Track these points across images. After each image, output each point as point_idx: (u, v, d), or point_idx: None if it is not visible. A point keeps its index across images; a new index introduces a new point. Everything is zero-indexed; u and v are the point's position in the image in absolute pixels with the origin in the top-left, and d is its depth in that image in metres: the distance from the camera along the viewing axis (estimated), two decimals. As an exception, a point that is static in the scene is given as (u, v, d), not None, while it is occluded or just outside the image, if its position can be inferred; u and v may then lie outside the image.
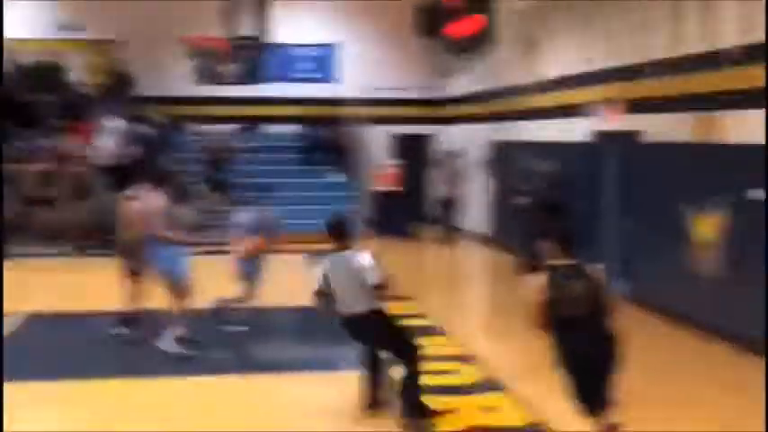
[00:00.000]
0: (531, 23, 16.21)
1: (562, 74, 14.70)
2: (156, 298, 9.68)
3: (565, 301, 5.85)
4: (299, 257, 14.74)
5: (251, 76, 22.29)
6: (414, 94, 22.59)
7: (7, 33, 19.36)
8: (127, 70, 20.77)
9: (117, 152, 17.61)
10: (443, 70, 22.39)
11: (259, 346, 9.97)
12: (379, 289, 7.05)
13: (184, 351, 8.96)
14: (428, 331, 10.12)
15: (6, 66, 19.42)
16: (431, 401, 7.50)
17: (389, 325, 7.22)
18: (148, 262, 9.32)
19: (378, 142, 22.11)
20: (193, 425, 7.15)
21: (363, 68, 22.26)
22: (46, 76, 20.11)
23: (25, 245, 16.51)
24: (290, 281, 11.15)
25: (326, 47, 22.53)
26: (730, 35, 9.76)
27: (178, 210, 9.35)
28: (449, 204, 19.23)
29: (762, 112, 9.18)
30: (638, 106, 11.90)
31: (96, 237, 15.97)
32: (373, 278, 7.00)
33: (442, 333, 10.30)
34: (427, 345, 9.24)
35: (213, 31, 21.01)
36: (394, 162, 20.83)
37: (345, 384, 8.75)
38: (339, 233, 7.23)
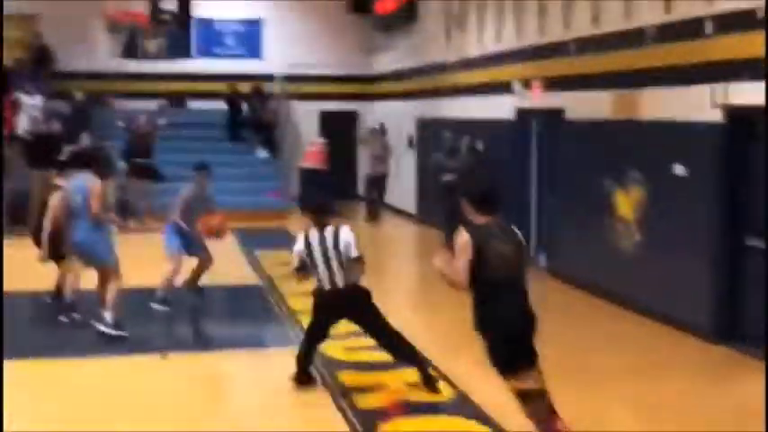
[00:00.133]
0: (456, 1, 16.29)
1: (486, 51, 14.82)
2: (88, 279, 9.57)
3: (492, 259, 5.61)
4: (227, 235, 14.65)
5: (175, 52, 22.01)
6: (341, 71, 22.54)
7: None
8: (47, 45, 20.30)
9: (35, 129, 17.25)
10: (370, 47, 22.39)
11: (188, 324, 9.92)
12: (359, 262, 7.29)
13: (122, 333, 8.86)
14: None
15: None
16: (358, 377, 7.59)
17: (372, 302, 7.38)
18: (77, 246, 9.12)
19: (305, 119, 22.03)
20: (125, 404, 7.12)
21: (290, 45, 22.11)
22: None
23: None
24: (219, 259, 11.08)
25: (253, 22, 22.33)
26: (650, 14, 9.95)
27: (104, 188, 9.22)
28: (376, 181, 19.30)
29: (681, 88, 9.39)
30: (561, 83, 12.07)
31: (13, 215, 15.62)
32: (355, 252, 7.23)
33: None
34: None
35: (135, 5, 20.66)
36: (321, 139, 20.78)
37: (274, 361, 8.82)
38: (321, 211, 7.43)
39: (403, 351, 7.40)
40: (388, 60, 21.29)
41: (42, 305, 9.98)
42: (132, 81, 21.39)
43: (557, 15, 12.16)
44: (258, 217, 17.54)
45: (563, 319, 10.22)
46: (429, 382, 7.25)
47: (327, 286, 7.25)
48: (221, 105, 21.03)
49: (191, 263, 10.73)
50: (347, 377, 7.67)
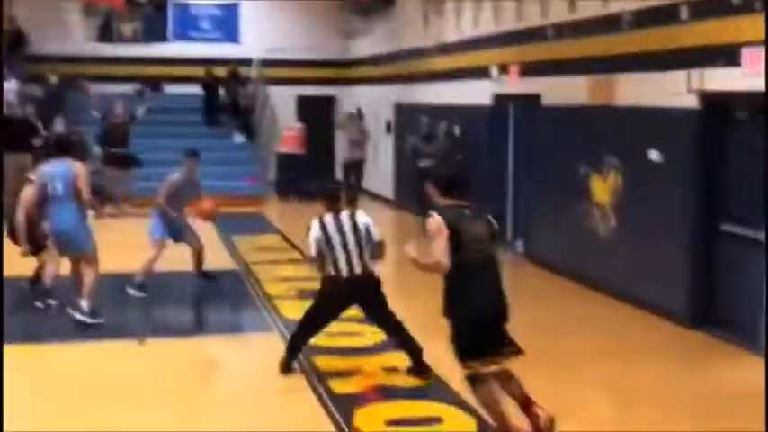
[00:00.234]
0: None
1: (464, 36, 14.81)
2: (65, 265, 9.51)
3: (466, 241, 5.49)
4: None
5: (151, 36, 21.86)
6: (318, 56, 22.46)
7: None
8: (21, 28, 20.09)
9: (9, 113, 17.08)
10: (348, 31, 22.32)
11: (165, 310, 9.88)
12: (380, 246, 7.25)
13: (99, 320, 8.80)
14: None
15: None
16: (335, 362, 7.59)
17: (382, 291, 7.32)
18: (61, 235, 8.98)
19: (282, 104, 21.95)
20: (102, 390, 7.09)
21: (267, 29, 22.01)
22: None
23: None
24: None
25: (229, 6, 22.20)
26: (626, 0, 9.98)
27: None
28: (354, 167, 19.26)
29: (658, 74, 9.42)
30: (538, 69, 12.09)
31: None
32: (377, 234, 7.22)
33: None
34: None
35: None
36: (298, 124, 20.72)
37: (251, 346, 8.82)
38: (334, 196, 7.41)
39: (405, 339, 7.35)
40: (365, 45, 21.24)
41: (22, 291, 9.89)
42: (107, 65, 21.22)
43: (534, 1, 12.16)
44: (235, 202, 17.46)
45: (538, 303, 10.28)
46: (421, 371, 7.23)
47: (345, 273, 7.08)
48: (198, 90, 20.91)
49: (175, 250, 10.66)
50: (324, 362, 7.67)
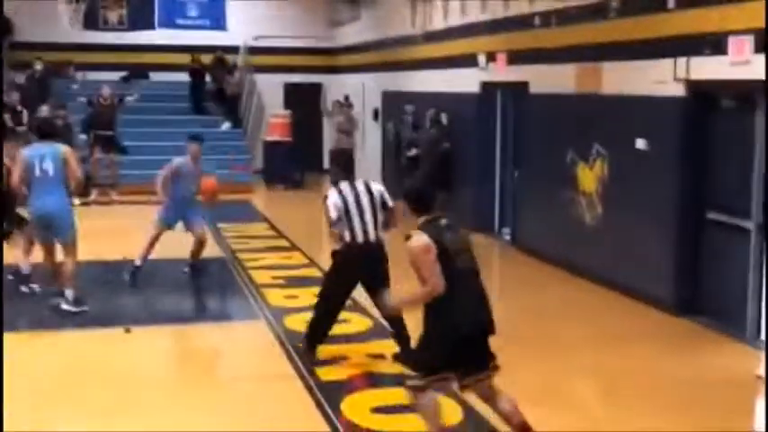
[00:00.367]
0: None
1: (451, 24, 14.78)
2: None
3: (452, 253, 5.21)
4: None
5: (137, 23, 21.75)
6: (306, 43, 22.39)
7: None
8: (5, 15, 19.95)
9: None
10: (336, 19, 22.26)
11: (152, 298, 9.85)
12: (393, 212, 7.28)
13: (84, 308, 8.77)
14: (320, 282, 10.16)
15: None
16: (321, 350, 7.59)
17: (388, 267, 7.29)
18: (48, 217, 8.77)
19: (269, 91, 21.89)
20: (88, 378, 7.09)
21: (254, 16, 21.93)
22: None
23: None
24: (182, 232, 10.98)
25: (216, -7, 22.14)
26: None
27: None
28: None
29: (644, 63, 9.43)
30: (526, 57, 12.08)
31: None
32: (390, 201, 7.28)
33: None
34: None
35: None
36: (285, 112, 20.67)
37: (238, 334, 8.81)
38: (346, 165, 7.51)
39: (397, 324, 7.32)
40: (353, 33, 21.18)
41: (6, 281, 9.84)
42: (93, 52, 21.12)
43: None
44: (222, 190, 17.41)
45: (525, 290, 10.33)
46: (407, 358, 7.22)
47: (360, 239, 7.10)
48: (184, 77, 20.83)
49: (164, 237, 10.61)
50: (311, 350, 7.67)
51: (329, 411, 6.28)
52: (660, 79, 9.04)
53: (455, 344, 5.16)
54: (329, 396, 6.56)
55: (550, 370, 7.32)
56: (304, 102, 21.78)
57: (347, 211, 7.13)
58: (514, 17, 12.40)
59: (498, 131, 13.54)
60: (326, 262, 11.05)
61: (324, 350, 7.55)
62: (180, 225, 10.43)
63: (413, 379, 5.30)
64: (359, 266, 7.22)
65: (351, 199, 7.16)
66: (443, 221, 5.35)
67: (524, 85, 12.09)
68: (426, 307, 5.25)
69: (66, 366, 7.41)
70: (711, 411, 6.43)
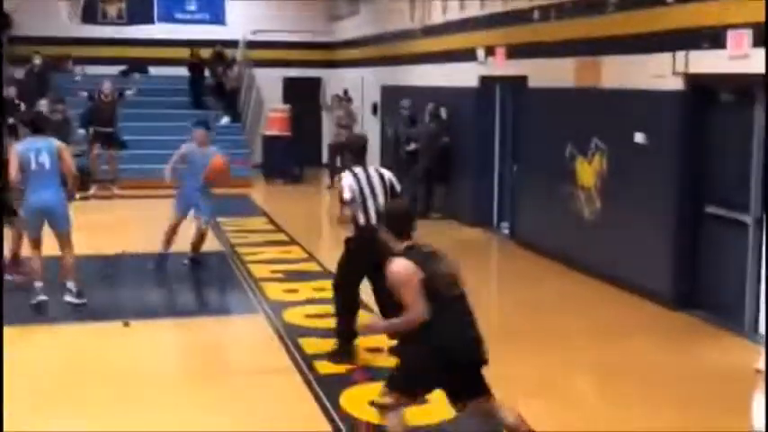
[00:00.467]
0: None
1: (450, 18, 14.77)
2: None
3: (438, 278, 4.94)
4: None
5: (136, 17, 21.73)
6: (305, 37, 22.38)
7: None
8: (4, 9, 19.92)
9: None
10: (334, 13, 22.24)
11: (151, 292, 9.86)
12: (401, 197, 7.42)
13: (84, 301, 8.78)
14: (318, 276, 10.19)
15: None
16: (319, 344, 7.61)
17: None
18: (48, 209, 8.74)
19: (268, 85, 21.88)
20: (87, 372, 7.09)
21: (253, 10, 21.91)
22: None
23: None
24: (183, 226, 10.97)
25: (215, -13, 22.12)
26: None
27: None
28: (341, 149, 19.18)
29: (643, 56, 9.43)
30: (525, 51, 12.07)
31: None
32: (399, 187, 7.39)
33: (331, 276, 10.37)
34: (318, 288, 9.36)
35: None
36: (284, 106, 20.66)
37: (237, 328, 8.82)
38: (360, 151, 7.54)
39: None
40: (352, 27, 21.17)
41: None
42: (92, 46, 21.10)
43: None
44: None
45: (523, 284, 10.35)
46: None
47: (374, 221, 7.06)
48: (183, 71, 20.81)
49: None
50: (309, 344, 7.68)
51: (328, 405, 6.28)
52: (659, 73, 9.04)
53: (441, 370, 4.91)
54: (328, 389, 6.56)
55: (547, 364, 7.33)
56: (303, 96, 21.77)
57: (361, 193, 7.17)
58: (513, 11, 12.39)
59: (497, 125, 13.54)
60: (325, 256, 11.16)
61: (323, 344, 7.56)
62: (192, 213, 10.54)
63: (384, 397, 5.04)
64: (372, 250, 7.15)
65: (365, 182, 7.21)
66: (426, 249, 5.12)
67: (523, 79, 12.08)
68: (411, 334, 5.01)
69: (64, 360, 7.41)
70: (709, 405, 6.44)
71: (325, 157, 21.01)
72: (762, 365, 6.79)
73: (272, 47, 21.91)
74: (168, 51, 21.38)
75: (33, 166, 8.54)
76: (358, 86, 20.16)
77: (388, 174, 7.42)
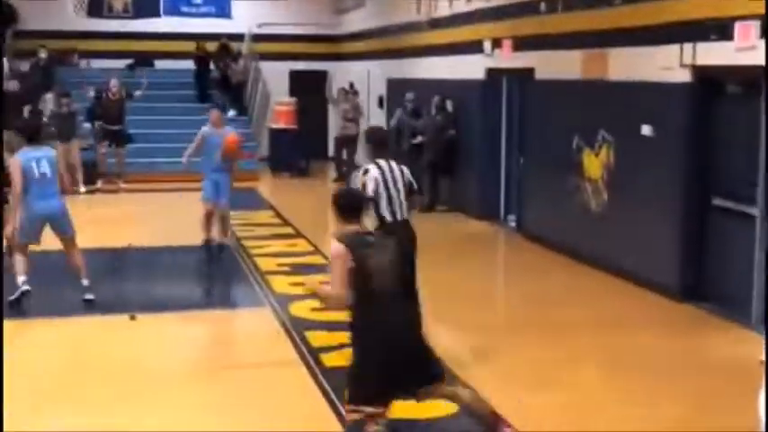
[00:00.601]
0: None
1: (457, 10, 14.73)
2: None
3: (374, 270, 4.86)
4: (197, 195, 14.53)
5: (142, 10, 21.72)
6: (310, 30, 22.35)
7: None
8: (11, 3, 19.96)
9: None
10: (340, 6, 22.20)
11: (157, 285, 9.87)
12: (419, 194, 7.44)
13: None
14: (325, 269, 10.17)
15: None
16: (325, 337, 7.60)
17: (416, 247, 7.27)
18: (56, 214, 8.74)
19: (274, 79, 21.85)
20: (93, 366, 7.11)
21: (259, 3, 21.90)
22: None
23: None
24: (189, 219, 11.02)
25: (221, -19, 22.09)
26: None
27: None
28: (346, 141, 19.20)
29: (650, 48, 9.39)
30: (531, 43, 12.04)
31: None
32: (415, 184, 7.33)
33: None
34: (325, 281, 9.35)
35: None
36: (290, 99, 20.64)
37: (244, 321, 8.83)
38: (381, 144, 7.43)
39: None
40: (358, 20, 21.13)
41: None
42: (98, 40, 21.10)
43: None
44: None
45: (530, 277, 10.34)
46: None
47: (390, 218, 7.05)
48: (189, 65, 20.80)
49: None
50: (314, 337, 7.68)
51: (334, 397, 6.28)
52: (666, 65, 9.01)
53: (378, 370, 4.81)
54: (334, 382, 6.55)
55: (554, 356, 7.33)
56: (309, 89, 21.74)
57: (386, 187, 7.12)
58: (520, 3, 12.36)
59: (504, 118, 13.51)
60: (331, 249, 11.12)
61: (329, 337, 7.56)
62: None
63: (350, 414, 4.94)
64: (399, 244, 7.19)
65: (389, 176, 7.16)
66: (370, 237, 5.09)
67: (530, 71, 12.05)
68: (350, 329, 5.03)
69: (71, 353, 7.44)
70: (716, 397, 6.42)
71: (331, 150, 20.99)
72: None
73: (278, 40, 21.88)
74: (174, 45, 21.38)
75: (36, 175, 8.55)
76: (364, 79, 20.13)
77: (405, 169, 7.34)
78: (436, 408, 5.69)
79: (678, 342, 7.87)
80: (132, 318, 8.27)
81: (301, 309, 8.44)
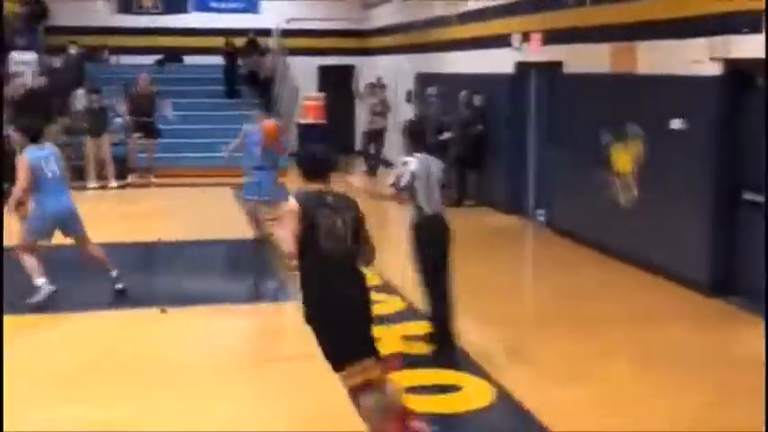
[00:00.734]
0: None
1: (485, 4, 14.70)
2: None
3: (324, 231, 4.92)
4: (226, 190, 14.65)
5: (171, 6, 21.85)
6: (339, 25, 22.37)
7: None
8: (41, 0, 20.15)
9: (26, 85, 17.11)
10: (368, 0, 22.20)
11: (186, 279, 9.94)
12: (448, 188, 7.51)
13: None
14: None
15: None
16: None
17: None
18: (68, 213, 8.78)
19: (303, 74, 21.88)
20: (122, 359, 7.17)
21: (287, -1, 21.97)
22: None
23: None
24: (219, 214, 11.09)
25: (249, -24, 22.17)
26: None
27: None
28: (374, 136, 19.22)
29: (680, 42, 9.34)
30: (560, 37, 11.99)
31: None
32: (445, 179, 7.38)
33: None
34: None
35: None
36: (319, 94, 20.67)
37: (269, 315, 8.87)
38: (418, 137, 7.48)
39: (441, 304, 7.26)
40: (385, 14, 21.13)
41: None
42: (128, 36, 21.25)
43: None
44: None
45: (559, 271, 10.31)
46: (444, 342, 7.18)
47: (427, 209, 7.12)
48: (218, 60, 20.89)
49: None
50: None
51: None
52: (696, 58, 8.95)
53: (330, 327, 5.01)
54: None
55: (584, 350, 7.31)
56: (336, 84, 21.77)
57: (428, 181, 7.16)
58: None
59: (532, 112, 13.48)
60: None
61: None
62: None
63: (344, 381, 5.07)
64: (440, 237, 7.23)
65: (425, 171, 7.18)
66: (329, 198, 5.07)
67: (559, 65, 12.01)
68: (303, 298, 5.10)
69: (103, 345, 7.51)
70: (746, 391, 6.37)
71: (358, 144, 21.01)
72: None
73: (306, 35, 21.93)
74: (203, 40, 21.48)
75: (48, 174, 8.58)
76: (392, 74, 20.12)
77: (439, 164, 7.36)
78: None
79: (708, 336, 7.83)
80: (163, 311, 8.35)
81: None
